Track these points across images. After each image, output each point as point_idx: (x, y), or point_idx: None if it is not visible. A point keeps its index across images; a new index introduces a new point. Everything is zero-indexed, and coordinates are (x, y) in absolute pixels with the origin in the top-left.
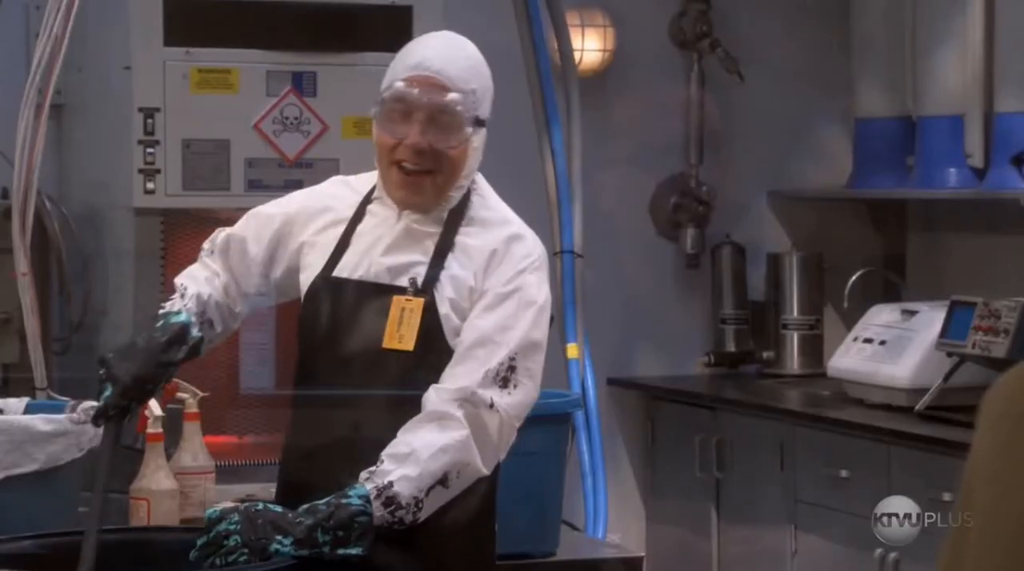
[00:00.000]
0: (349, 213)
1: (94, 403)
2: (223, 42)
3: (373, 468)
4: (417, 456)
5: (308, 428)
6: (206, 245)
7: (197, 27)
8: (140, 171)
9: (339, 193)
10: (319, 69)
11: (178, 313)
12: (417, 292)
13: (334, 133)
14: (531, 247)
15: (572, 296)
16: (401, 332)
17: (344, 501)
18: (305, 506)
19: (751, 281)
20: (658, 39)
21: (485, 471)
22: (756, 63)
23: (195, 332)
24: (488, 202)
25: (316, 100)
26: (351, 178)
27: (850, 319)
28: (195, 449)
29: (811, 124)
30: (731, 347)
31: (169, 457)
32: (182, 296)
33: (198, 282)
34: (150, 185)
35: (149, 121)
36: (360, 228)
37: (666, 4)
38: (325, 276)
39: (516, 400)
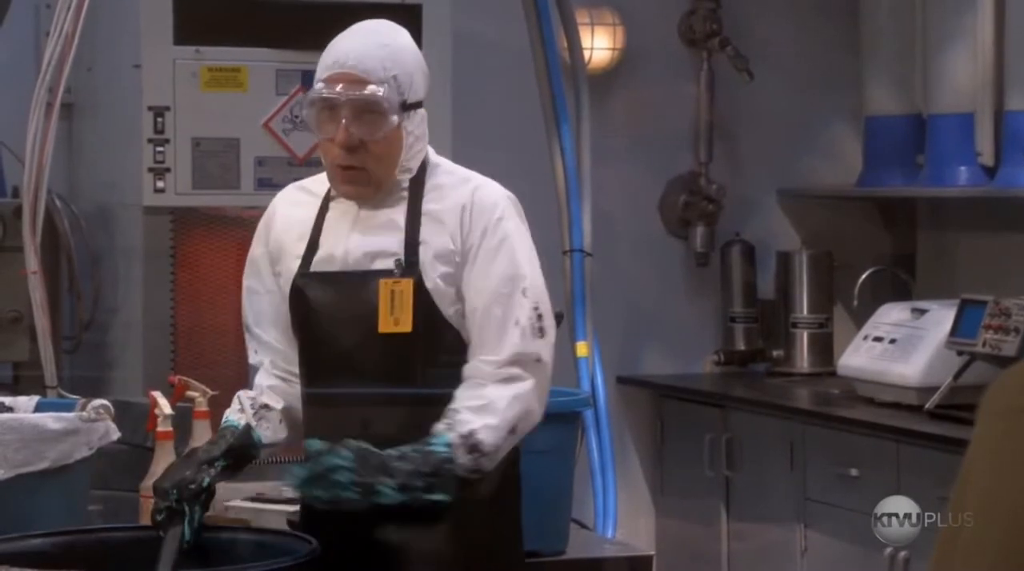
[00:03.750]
0: (311, 213)
1: (104, 401)
2: (233, 41)
3: (449, 420)
4: (495, 406)
5: (324, 425)
6: (252, 360)
7: (207, 26)
8: (150, 170)
9: (293, 198)
10: None
11: (223, 421)
12: (404, 273)
13: None
14: (496, 194)
15: (581, 294)
16: (396, 315)
17: (429, 448)
18: (394, 451)
19: (760, 279)
20: (667, 37)
21: (540, 419)
22: (765, 61)
23: (238, 424)
24: (444, 168)
25: None
26: (304, 182)
27: (860, 317)
28: None
29: (821, 122)
30: (740, 345)
31: (179, 455)
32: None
33: (255, 393)
34: (160, 183)
35: (159, 120)
36: (325, 225)
37: (676, 2)
38: (303, 272)
39: (550, 343)
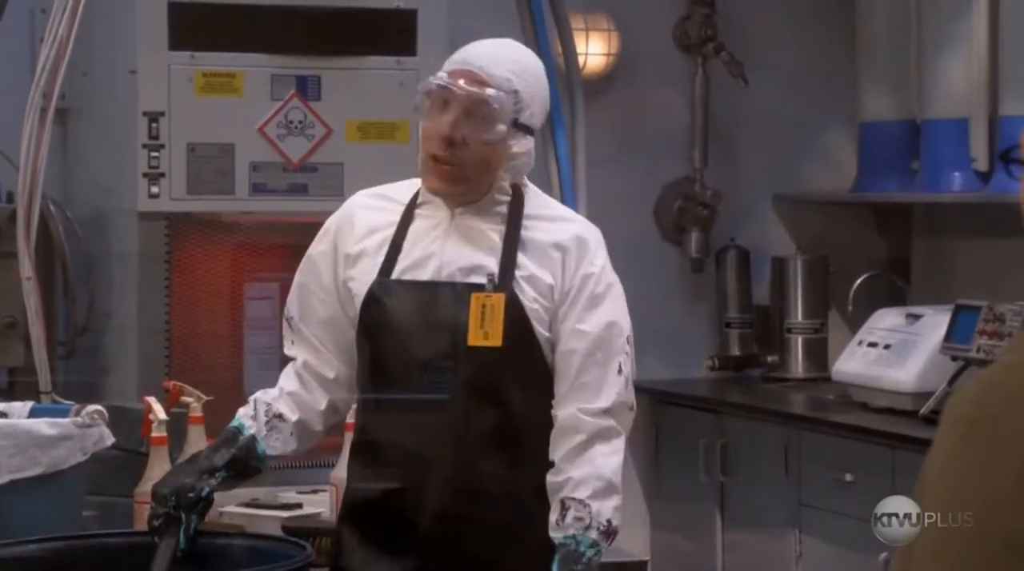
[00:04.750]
0: (392, 218)
1: (99, 407)
2: (228, 46)
3: (579, 514)
4: (612, 483)
5: (392, 430)
6: (287, 351)
7: (202, 31)
8: (145, 175)
9: (372, 203)
10: (323, 73)
11: (234, 419)
12: (496, 288)
13: (338, 137)
14: (597, 238)
15: None
16: (486, 329)
17: (583, 554)
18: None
19: (756, 285)
20: (662, 43)
21: None
22: (761, 67)
23: (245, 430)
24: (543, 200)
25: (320, 104)
26: (381, 188)
27: (855, 323)
28: None
29: (816, 128)
30: (736, 351)
31: (173, 460)
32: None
33: (272, 397)
34: (155, 189)
35: (154, 125)
36: (413, 230)
37: (670, 8)
38: (383, 280)
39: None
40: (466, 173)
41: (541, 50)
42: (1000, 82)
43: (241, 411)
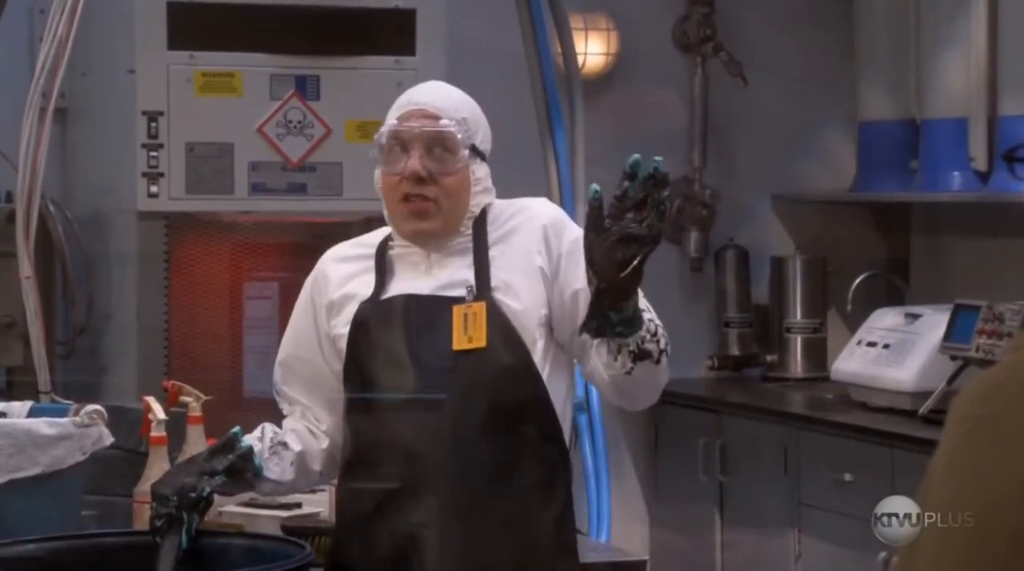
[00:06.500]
0: (366, 264)
1: (98, 407)
2: (227, 46)
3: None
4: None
5: (387, 441)
6: (285, 411)
7: (201, 31)
8: (144, 175)
9: (348, 253)
10: (322, 73)
11: (232, 427)
12: (476, 298)
13: (337, 136)
14: (559, 210)
15: None
16: (469, 333)
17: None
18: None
19: (755, 284)
20: (661, 42)
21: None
22: (760, 66)
23: (245, 442)
24: (500, 204)
25: (319, 103)
26: (353, 240)
27: (854, 322)
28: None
29: (815, 127)
30: (735, 350)
31: (172, 460)
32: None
33: (279, 428)
34: (154, 188)
35: (153, 125)
36: (396, 275)
37: (670, 7)
38: (371, 301)
39: None
40: (441, 206)
41: (540, 49)
42: (999, 82)
43: (247, 435)
